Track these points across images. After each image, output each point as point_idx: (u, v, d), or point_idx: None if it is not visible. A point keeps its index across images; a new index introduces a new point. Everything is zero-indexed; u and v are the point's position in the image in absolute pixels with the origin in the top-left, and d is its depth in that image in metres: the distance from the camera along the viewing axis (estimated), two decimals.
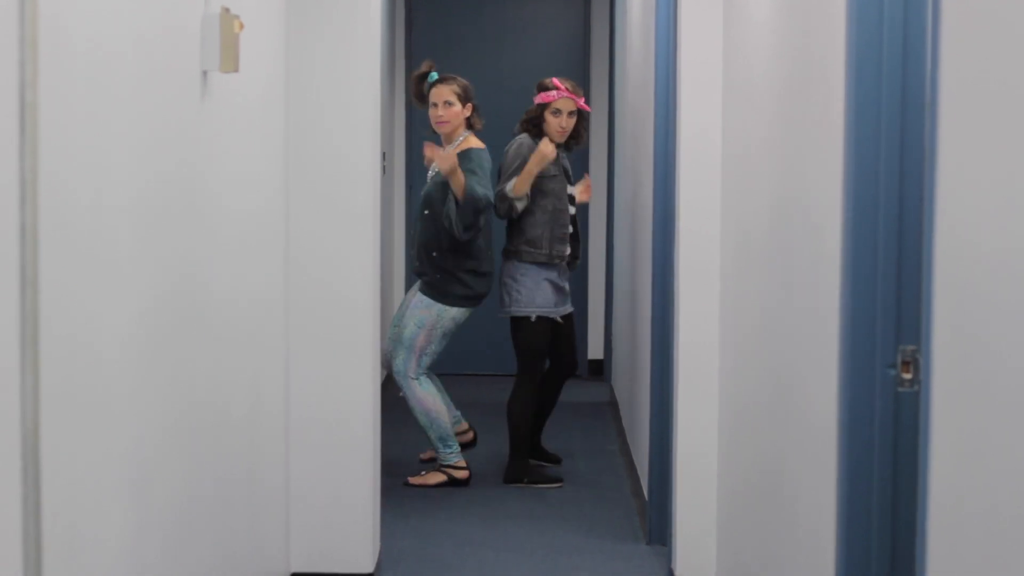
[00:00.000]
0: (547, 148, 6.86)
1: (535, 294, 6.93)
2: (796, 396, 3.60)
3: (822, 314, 3.26)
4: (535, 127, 7.04)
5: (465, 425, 7.10)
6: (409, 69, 10.03)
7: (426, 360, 6.87)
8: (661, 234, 5.73)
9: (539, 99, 7.04)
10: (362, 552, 5.21)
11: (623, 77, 8.65)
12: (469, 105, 6.94)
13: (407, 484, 6.91)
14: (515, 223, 6.98)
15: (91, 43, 2.64)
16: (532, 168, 6.86)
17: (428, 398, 6.86)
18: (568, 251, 7.05)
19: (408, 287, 9.80)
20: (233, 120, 3.96)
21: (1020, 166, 1.96)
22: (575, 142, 7.15)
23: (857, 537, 2.99)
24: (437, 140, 7.10)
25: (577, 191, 7.20)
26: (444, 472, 6.94)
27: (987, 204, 2.10)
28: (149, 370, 3.08)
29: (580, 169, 9.57)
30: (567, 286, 7.13)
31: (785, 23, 3.79)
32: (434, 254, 6.82)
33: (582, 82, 10.00)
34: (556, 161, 7.05)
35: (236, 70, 3.66)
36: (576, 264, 7.23)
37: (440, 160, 6.62)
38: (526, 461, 7.02)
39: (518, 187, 6.87)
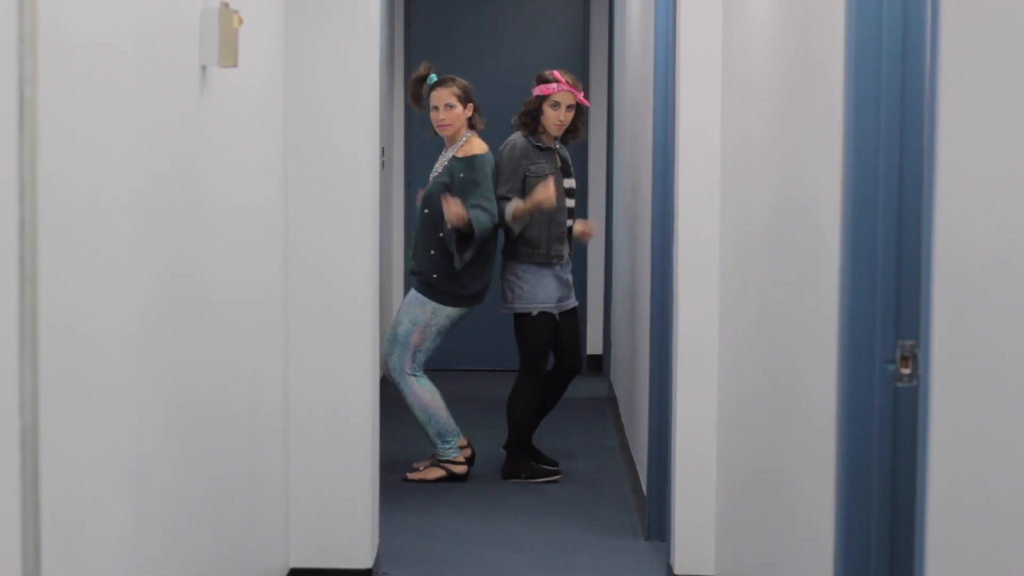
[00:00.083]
0: (546, 195, 6.80)
1: (537, 290, 6.92)
2: (795, 391, 3.61)
3: (821, 310, 3.26)
4: (533, 120, 6.99)
5: (464, 441, 7.08)
6: (408, 65, 10.03)
7: (421, 357, 6.87)
8: (660, 230, 5.73)
9: (538, 91, 7.00)
10: (361, 547, 5.21)
11: (622, 74, 8.65)
12: (470, 105, 6.93)
13: (406, 480, 6.92)
14: None
15: (90, 38, 2.64)
16: (530, 207, 6.82)
17: (425, 395, 6.86)
18: (567, 249, 7.03)
19: (408, 283, 9.80)
20: (232, 115, 3.96)
21: (1019, 163, 1.96)
22: (572, 136, 7.13)
23: (856, 532, 2.99)
24: (439, 142, 7.10)
25: (576, 228, 7.15)
26: (443, 467, 6.95)
27: (986, 199, 2.10)
28: (148, 366, 3.08)
29: (580, 169, 9.57)
30: (570, 278, 7.11)
31: (785, 19, 3.79)
32: (432, 252, 6.82)
33: (581, 78, 9.99)
34: (553, 157, 7.03)
35: (235, 65, 3.66)
36: (571, 255, 7.20)
37: (449, 215, 6.62)
38: (525, 457, 7.02)
39: (517, 216, 6.84)
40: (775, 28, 3.93)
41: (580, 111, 7.09)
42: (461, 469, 6.94)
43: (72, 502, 2.56)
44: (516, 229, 6.87)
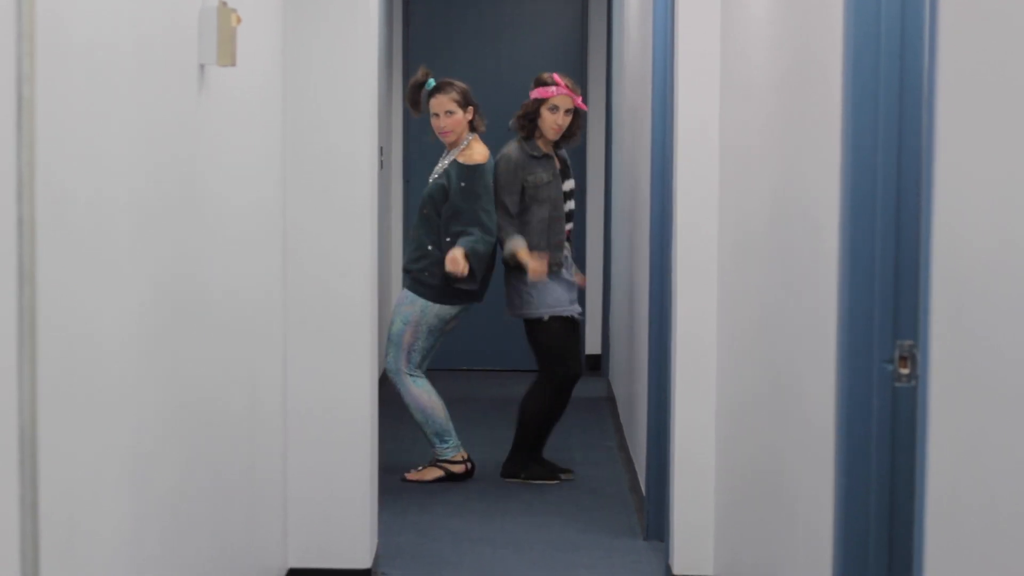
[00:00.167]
0: (539, 269, 6.81)
1: (545, 295, 6.90)
2: (794, 391, 3.61)
3: (820, 309, 3.26)
4: (530, 123, 6.96)
5: (464, 455, 7.06)
6: (407, 64, 10.03)
7: (416, 357, 6.86)
8: (659, 229, 5.73)
9: (536, 94, 6.98)
10: (359, 547, 5.21)
11: (621, 73, 8.65)
12: (470, 108, 6.92)
13: (404, 480, 6.91)
14: None
15: (88, 37, 2.64)
16: (524, 262, 6.83)
17: (423, 395, 6.85)
18: (566, 253, 7.01)
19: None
20: (231, 114, 3.96)
21: (1018, 161, 1.96)
22: (568, 141, 7.10)
23: (855, 532, 2.99)
24: (440, 145, 7.09)
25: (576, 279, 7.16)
26: (441, 467, 6.94)
27: (984, 199, 2.10)
28: (147, 365, 3.08)
29: (578, 169, 9.57)
30: (574, 280, 7.09)
31: (783, 17, 3.79)
32: (429, 247, 6.82)
33: (580, 78, 9.99)
34: (551, 162, 7.01)
35: (233, 64, 3.66)
36: (571, 256, 7.20)
37: (453, 268, 6.65)
38: (527, 457, 7.00)
39: (515, 253, 6.84)
40: (774, 27, 3.93)
41: (578, 115, 7.06)
42: (459, 468, 6.94)
43: (71, 501, 2.56)
44: (510, 262, 6.89)
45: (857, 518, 2.99)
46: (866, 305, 2.95)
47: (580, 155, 9.94)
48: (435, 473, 6.93)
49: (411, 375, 6.86)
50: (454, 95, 6.87)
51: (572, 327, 7.02)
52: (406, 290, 6.89)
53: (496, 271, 7.04)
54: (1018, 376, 1.95)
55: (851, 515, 2.99)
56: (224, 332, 3.92)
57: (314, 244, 5.08)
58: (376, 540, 5.44)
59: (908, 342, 2.92)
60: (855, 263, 2.96)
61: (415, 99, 6.99)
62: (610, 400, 9.11)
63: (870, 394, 2.96)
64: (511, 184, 6.88)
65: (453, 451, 6.92)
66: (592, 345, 10.25)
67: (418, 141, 9.75)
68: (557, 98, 6.94)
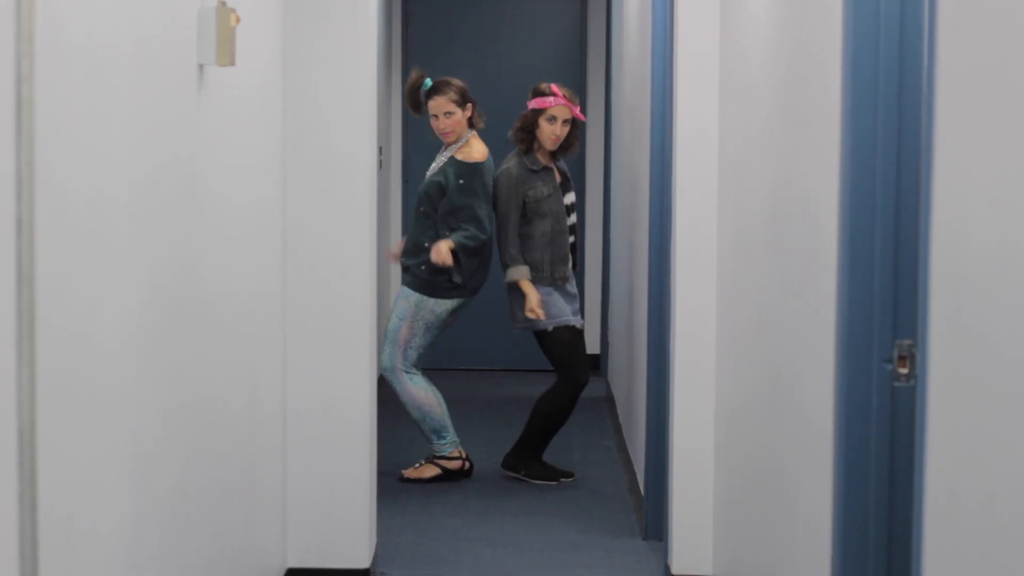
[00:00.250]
0: (537, 309, 6.81)
1: (547, 307, 6.90)
2: (793, 391, 3.61)
3: (819, 309, 3.26)
4: (529, 134, 6.96)
5: (463, 453, 7.06)
6: (406, 64, 10.03)
7: (412, 354, 6.85)
8: (658, 229, 5.73)
9: (534, 104, 6.96)
10: (358, 547, 5.21)
11: (620, 72, 8.65)
12: (469, 106, 6.92)
13: (402, 479, 6.91)
14: None
15: (88, 37, 2.64)
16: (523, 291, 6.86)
17: (419, 392, 6.84)
18: (569, 267, 7.02)
19: None
20: (230, 114, 3.96)
21: (1017, 161, 1.96)
22: (566, 151, 7.10)
23: (854, 531, 2.99)
24: (439, 144, 7.08)
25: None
26: (438, 464, 6.93)
27: (984, 198, 2.10)
28: (146, 364, 3.08)
29: (577, 169, 9.57)
30: (576, 292, 7.09)
31: (783, 18, 3.79)
32: (426, 244, 6.82)
33: (579, 78, 9.99)
34: (551, 175, 7.00)
35: (232, 64, 3.66)
36: (575, 269, 7.23)
37: (437, 257, 6.66)
38: (530, 456, 7.00)
39: (517, 283, 6.84)
40: (773, 26, 3.93)
41: (576, 126, 7.05)
42: (456, 465, 6.93)
43: (70, 501, 2.56)
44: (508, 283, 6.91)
45: (856, 517, 2.99)
46: (865, 304, 2.95)
47: (579, 156, 9.92)
48: (432, 471, 6.93)
49: (407, 372, 6.85)
50: (452, 95, 6.86)
51: (578, 336, 7.03)
52: (403, 287, 6.89)
53: (495, 271, 7.04)
54: (1017, 376, 1.95)
55: (850, 514, 2.99)
56: (224, 332, 3.92)
57: (314, 244, 5.08)
58: (375, 540, 5.45)
59: (907, 342, 2.93)
60: (854, 263, 2.96)
61: (415, 101, 6.98)
62: (609, 400, 9.12)
63: (869, 393, 2.96)
64: (513, 200, 6.88)
65: (450, 447, 6.91)
66: (591, 345, 10.24)
67: (418, 141, 9.75)
68: (555, 108, 6.93)
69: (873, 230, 2.95)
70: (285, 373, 5.08)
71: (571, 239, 7.05)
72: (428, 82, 6.94)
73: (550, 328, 6.89)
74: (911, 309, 2.92)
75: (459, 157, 6.84)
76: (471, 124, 6.93)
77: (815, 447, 3.29)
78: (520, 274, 6.83)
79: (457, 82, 6.94)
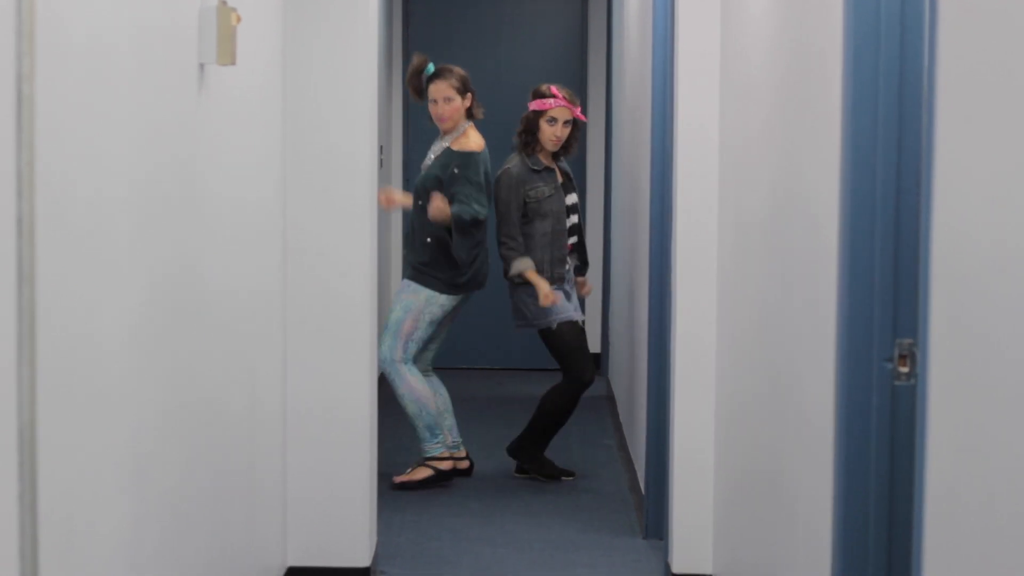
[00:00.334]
0: (550, 294, 6.82)
1: (551, 304, 6.90)
2: (793, 390, 3.61)
3: (819, 308, 3.26)
4: (531, 136, 6.96)
5: (463, 452, 7.05)
6: (407, 63, 10.02)
7: (412, 347, 6.82)
8: (659, 228, 5.73)
9: (535, 105, 6.97)
10: (359, 546, 5.21)
11: (620, 71, 8.65)
12: (469, 95, 6.91)
13: (394, 487, 6.77)
14: None
15: (88, 36, 2.64)
16: (532, 282, 6.85)
17: (418, 385, 6.80)
18: (568, 267, 7.01)
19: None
20: (230, 113, 3.96)
21: (1017, 160, 1.96)
22: (565, 152, 7.10)
23: (854, 530, 2.99)
24: (436, 132, 7.07)
25: (578, 286, 7.16)
26: (429, 466, 6.86)
27: (984, 197, 2.10)
28: (146, 363, 3.08)
29: (578, 169, 9.57)
30: (574, 292, 7.10)
31: (783, 17, 3.79)
32: (428, 239, 6.81)
33: (579, 78, 9.99)
34: (552, 175, 7.01)
35: (233, 63, 3.66)
36: (586, 270, 7.23)
37: (433, 211, 6.64)
38: (534, 448, 7.00)
39: (523, 273, 6.84)
40: (773, 26, 3.93)
41: (576, 127, 7.06)
42: (447, 465, 6.88)
43: (70, 500, 2.56)
44: (515, 280, 6.90)
45: (856, 516, 2.99)
46: (866, 304, 2.95)
47: (580, 155, 9.93)
48: (424, 472, 6.85)
49: (405, 363, 6.82)
50: (453, 81, 6.86)
51: (581, 333, 7.03)
52: (408, 280, 6.86)
53: (495, 272, 7.03)
54: (1017, 375, 1.95)
55: (850, 513, 2.99)
56: (224, 331, 3.92)
57: (314, 243, 5.08)
58: (375, 539, 5.45)
59: (907, 341, 2.92)
60: (855, 262, 2.96)
61: (416, 86, 6.96)
62: (610, 399, 9.12)
63: (869, 393, 2.96)
64: (512, 200, 6.88)
65: (440, 448, 6.86)
66: (592, 344, 10.24)
67: (418, 141, 9.74)
68: (555, 110, 6.94)
69: (873, 230, 2.95)
70: (285, 373, 5.08)
71: (575, 239, 7.06)
72: (431, 67, 6.93)
73: (554, 325, 6.89)
74: (911, 308, 2.92)
75: (455, 147, 6.82)
76: (470, 114, 6.92)
77: (815, 446, 3.29)
78: (525, 264, 6.83)
79: (459, 70, 6.94)
